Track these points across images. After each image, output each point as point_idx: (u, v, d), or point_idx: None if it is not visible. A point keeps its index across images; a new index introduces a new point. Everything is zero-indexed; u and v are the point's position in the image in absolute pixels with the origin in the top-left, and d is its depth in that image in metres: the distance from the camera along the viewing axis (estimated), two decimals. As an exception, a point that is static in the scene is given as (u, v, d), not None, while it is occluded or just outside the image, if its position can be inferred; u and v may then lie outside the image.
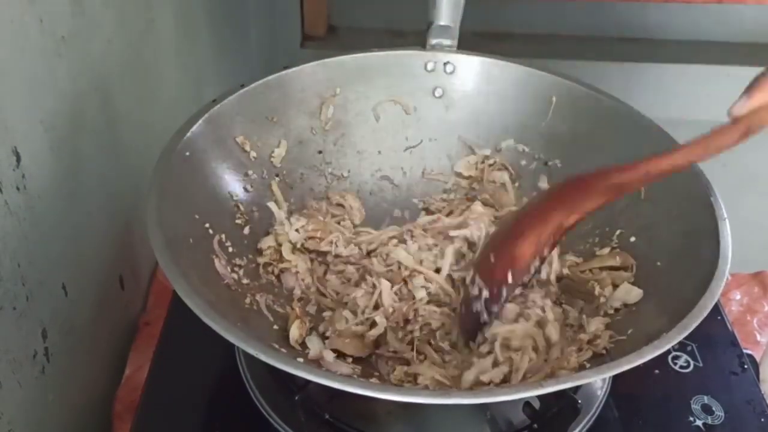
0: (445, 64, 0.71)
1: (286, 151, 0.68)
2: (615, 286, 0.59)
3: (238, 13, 1.04)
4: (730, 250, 0.52)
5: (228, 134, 0.63)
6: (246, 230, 0.63)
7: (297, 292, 0.62)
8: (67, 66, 0.57)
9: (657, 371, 0.62)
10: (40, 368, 0.56)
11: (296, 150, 0.69)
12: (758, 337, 0.78)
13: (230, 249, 0.59)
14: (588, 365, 0.52)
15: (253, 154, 0.65)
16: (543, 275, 0.62)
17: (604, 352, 0.53)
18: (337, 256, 0.65)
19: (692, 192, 0.58)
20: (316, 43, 1.09)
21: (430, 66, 0.72)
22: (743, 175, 1.12)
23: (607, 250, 0.63)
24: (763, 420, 0.59)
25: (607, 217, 0.65)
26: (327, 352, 0.54)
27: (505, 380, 0.53)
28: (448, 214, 0.69)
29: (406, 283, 0.61)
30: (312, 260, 0.65)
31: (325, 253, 0.65)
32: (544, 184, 0.70)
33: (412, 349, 0.57)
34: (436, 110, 0.73)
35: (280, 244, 0.63)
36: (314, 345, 0.55)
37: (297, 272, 0.63)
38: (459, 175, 0.73)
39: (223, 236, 0.59)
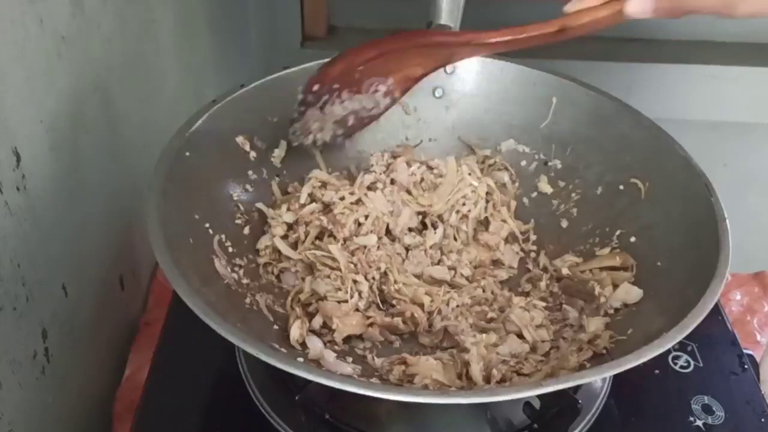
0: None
1: (286, 151, 0.68)
2: (615, 286, 0.59)
3: (238, 13, 1.03)
4: (730, 250, 0.52)
5: (228, 134, 0.63)
6: (246, 230, 0.63)
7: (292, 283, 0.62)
8: (67, 66, 0.57)
9: (657, 371, 0.62)
10: (40, 368, 0.56)
11: (296, 150, 0.69)
12: (758, 337, 0.78)
13: (230, 249, 0.59)
14: (588, 365, 0.52)
15: (253, 154, 0.65)
16: (542, 284, 0.64)
17: (604, 352, 0.53)
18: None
19: (692, 192, 0.58)
20: (316, 43, 1.09)
21: (430, 66, 0.72)
22: (743, 175, 1.13)
23: (607, 250, 0.63)
24: (763, 420, 0.59)
25: (607, 217, 0.65)
26: (327, 352, 0.54)
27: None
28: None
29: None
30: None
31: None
32: (544, 184, 0.70)
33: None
34: (436, 110, 0.73)
35: (274, 239, 0.63)
36: (314, 345, 0.55)
37: (297, 271, 0.62)
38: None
39: (223, 236, 0.59)
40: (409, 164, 0.69)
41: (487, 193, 0.69)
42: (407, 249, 0.66)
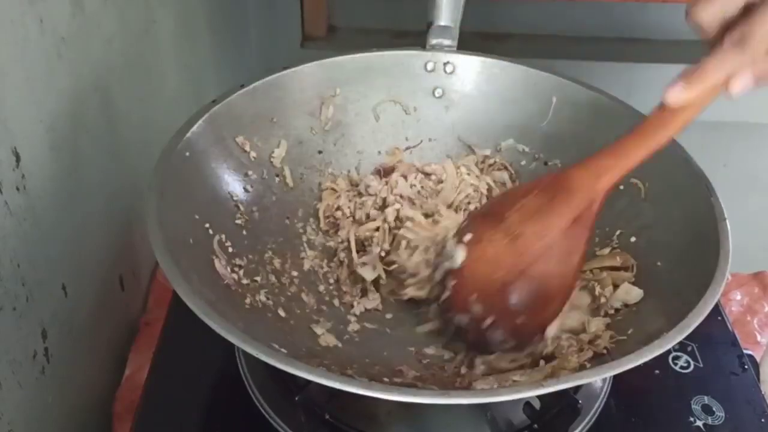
0: (445, 64, 0.72)
1: (286, 151, 0.68)
2: (615, 286, 0.59)
3: (238, 13, 1.04)
4: (730, 250, 0.52)
5: (228, 134, 0.63)
6: (246, 230, 0.63)
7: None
8: (67, 66, 0.57)
9: (657, 371, 0.62)
10: (40, 368, 0.56)
11: (296, 150, 0.69)
12: (758, 337, 0.78)
13: (230, 249, 0.59)
14: (588, 365, 0.52)
15: (253, 154, 0.65)
16: None
17: (604, 352, 0.53)
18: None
19: (692, 192, 0.58)
20: (316, 43, 1.09)
21: (430, 66, 0.72)
22: (744, 175, 1.13)
23: (607, 250, 0.63)
24: (763, 420, 0.59)
25: (607, 217, 0.65)
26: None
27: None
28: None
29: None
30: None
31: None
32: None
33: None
34: (436, 110, 0.73)
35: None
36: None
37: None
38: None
39: (223, 236, 0.59)
40: (405, 177, 0.69)
41: (487, 190, 0.69)
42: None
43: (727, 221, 0.54)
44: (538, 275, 0.53)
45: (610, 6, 1.06)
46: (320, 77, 0.69)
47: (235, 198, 0.63)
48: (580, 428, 0.56)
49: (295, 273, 0.64)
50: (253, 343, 0.44)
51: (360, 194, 0.69)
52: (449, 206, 0.68)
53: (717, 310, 0.68)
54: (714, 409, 0.59)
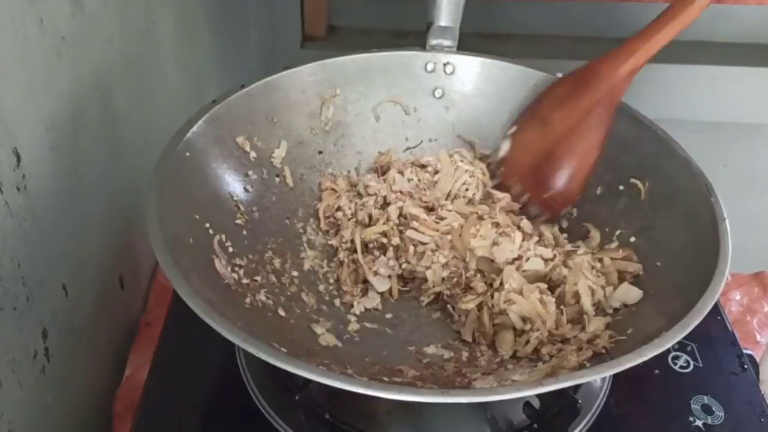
0: (445, 64, 0.72)
1: (286, 152, 0.68)
2: (621, 280, 0.59)
3: (238, 13, 1.04)
4: (730, 250, 0.52)
5: (228, 134, 0.63)
6: (246, 230, 0.63)
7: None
8: (67, 66, 0.57)
9: (657, 371, 0.62)
10: (40, 368, 0.56)
11: (296, 150, 0.69)
12: (758, 337, 0.78)
13: (230, 249, 0.59)
14: (588, 365, 0.52)
15: (253, 154, 0.65)
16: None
17: (604, 351, 0.53)
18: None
19: (692, 192, 0.58)
20: (316, 43, 1.09)
21: (430, 66, 0.72)
22: (743, 175, 1.13)
23: (614, 245, 0.63)
24: (763, 420, 0.59)
25: (607, 217, 0.65)
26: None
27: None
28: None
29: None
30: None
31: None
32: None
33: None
34: (436, 111, 0.73)
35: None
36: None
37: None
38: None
39: (223, 236, 0.59)
40: (402, 173, 0.69)
41: (483, 175, 0.70)
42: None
43: (727, 221, 0.54)
44: (564, 154, 0.63)
45: (610, 6, 1.06)
46: (320, 77, 0.69)
47: (235, 198, 0.63)
48: (579, 428, 0.56)
49: (295, 273, 0.64)
50: (254, 342, 0.44)
51: (360, 195, 0.69)
52: (448, 195, 0.69)
53: (717, 310, 0.68)
54: (713, 408, 0.59)
